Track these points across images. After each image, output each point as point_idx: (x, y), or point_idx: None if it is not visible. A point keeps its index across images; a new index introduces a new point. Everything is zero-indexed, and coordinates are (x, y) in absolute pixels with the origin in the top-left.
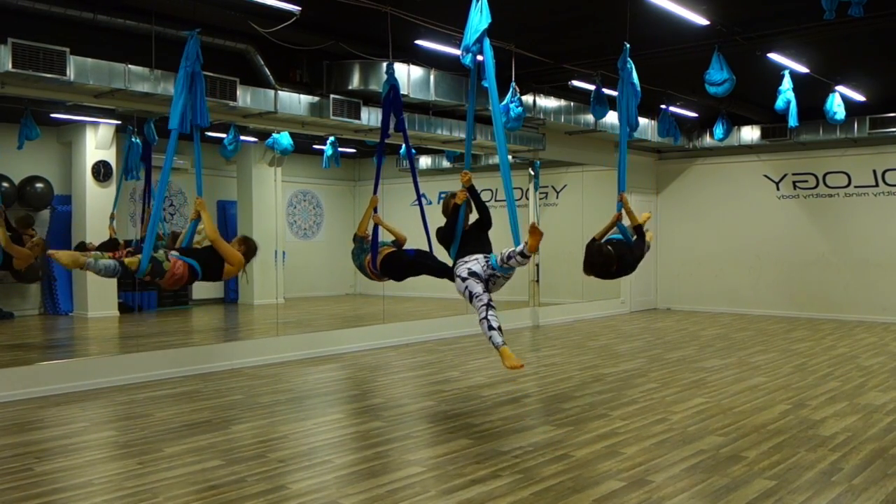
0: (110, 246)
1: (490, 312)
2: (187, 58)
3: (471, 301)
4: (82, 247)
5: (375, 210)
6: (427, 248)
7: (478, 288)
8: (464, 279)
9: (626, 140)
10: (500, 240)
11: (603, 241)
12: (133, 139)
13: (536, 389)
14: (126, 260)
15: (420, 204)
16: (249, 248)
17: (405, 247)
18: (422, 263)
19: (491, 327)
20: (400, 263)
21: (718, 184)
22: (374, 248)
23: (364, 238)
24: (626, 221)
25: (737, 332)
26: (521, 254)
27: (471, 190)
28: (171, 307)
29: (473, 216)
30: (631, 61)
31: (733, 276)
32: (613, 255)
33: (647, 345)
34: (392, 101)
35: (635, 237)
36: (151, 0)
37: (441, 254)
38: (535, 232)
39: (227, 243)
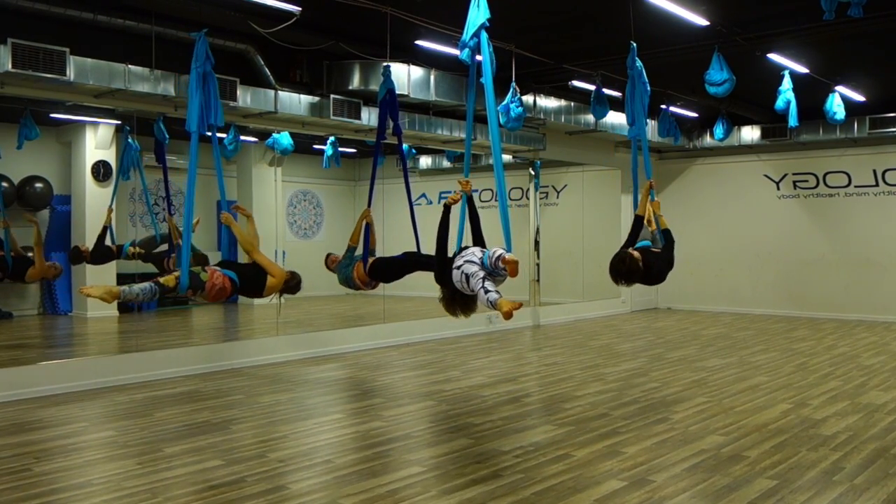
0: (104, 253)
1: (487, 283)
2: (196, 59)
3: (468, 284)
4: (77, 252)
5: (369, 206)
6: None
7: (473, 268)
8: (458, 266)
9: (647, 140)
10: (496, 242)
11: (632, 248)
12: (129, 140)
13: (537, 389)
14: (162, 280)
15: (411, 208)
16: (294, 278)
17: (382, 253)
18: (412, 261)
19: (487, 291)
20: (390, 265)
21: (718, 184)
22: (366, 252)
23: (353, 248)
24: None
25: (738, 332)
26: (503, 270)
27: (469, 201)
28: (171, 307)
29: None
30: (639, 60)
31: (734, 275)
32: (638, 264)
33: (647, 344)
34: (389, 103)
35: (664, 242)
36: (151, 0)
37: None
38: (513, 265)
39: (266, 257)
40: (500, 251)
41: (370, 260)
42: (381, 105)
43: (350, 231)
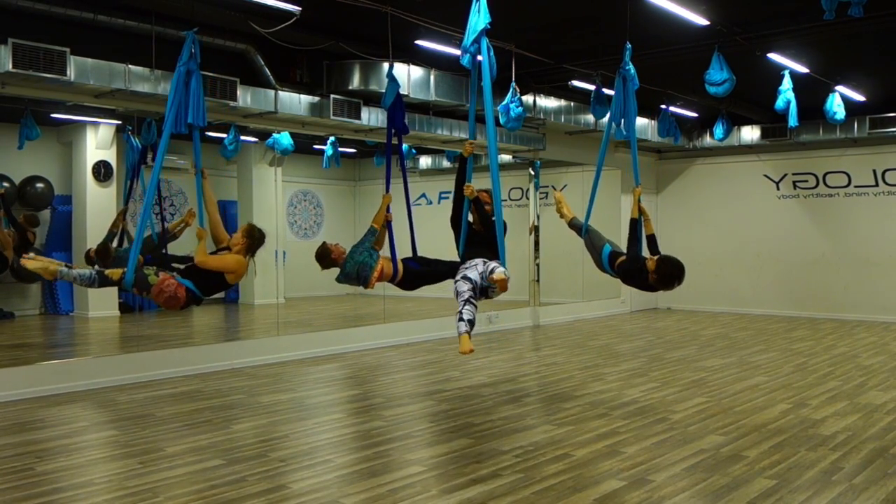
0: (105, 254)
1: (467, 307)
2: (181, 57)
3: (457, 299)
4: (87, 256)
5: (388, 209)
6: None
7: (464, 286)
8: (455, 281)
9: (636, 142)
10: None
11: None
12: (132, 139)
13: (537, 389)
14: (107, 272)
15: (409, 208)
16: (254, 239)
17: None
18: (431, 272)
19: (461, 319)
20: (412, 276)
21: (718, 184)
22: (394, 251)
23: (375, 230)
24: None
25: (737, 332)
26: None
27: (476, 202)
28: None
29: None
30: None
31: (734, 275)
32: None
33: (647, 344)
34: (397, 107)
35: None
36: (151, 0)
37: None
38: (501, 283)
39: (216, 257)
40: (493, 264)
41: (400, 267)
42: (391, 110)
43: (352, 230)
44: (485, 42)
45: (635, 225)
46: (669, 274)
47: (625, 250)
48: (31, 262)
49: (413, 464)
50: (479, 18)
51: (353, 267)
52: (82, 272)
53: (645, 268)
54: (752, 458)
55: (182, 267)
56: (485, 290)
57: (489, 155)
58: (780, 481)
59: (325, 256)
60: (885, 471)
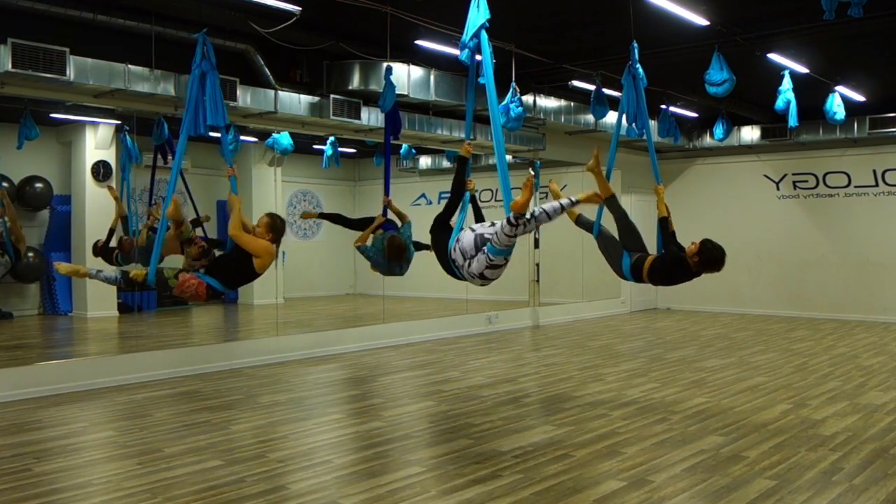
0: (105, 253)
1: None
2: (194, 59)
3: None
4: (94, 246)
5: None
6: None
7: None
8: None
9: (652, 140)
10: None
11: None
12: (127, 139)
13: (536, 389)
14: (131, 273)
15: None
16: (276, 230)
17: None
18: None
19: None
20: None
21: (718, 184)
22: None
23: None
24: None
25: (737, 332)
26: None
27: (472, 200)
28: (170, 307)
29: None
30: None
31: (733, 275)
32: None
33: (647, 345)
34: (394, 111)
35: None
36: (151, 0)
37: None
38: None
39: (251, 236)
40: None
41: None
42: (388, 115)
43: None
44: (485, 37)
45: (666, 223)
46: (714, 257)
47: (643, 253)
48: (62, 266)
49: (412, 464)
50: (478, 14)
51: (411, 253)
52: (108, 274)
53: (686, 256)
54: (752, 458)
55: (212, 251)
56: (474, 257)
57: (495, 148)
58: (780, 482)
59: (403, 249)
60: (885, 471)
